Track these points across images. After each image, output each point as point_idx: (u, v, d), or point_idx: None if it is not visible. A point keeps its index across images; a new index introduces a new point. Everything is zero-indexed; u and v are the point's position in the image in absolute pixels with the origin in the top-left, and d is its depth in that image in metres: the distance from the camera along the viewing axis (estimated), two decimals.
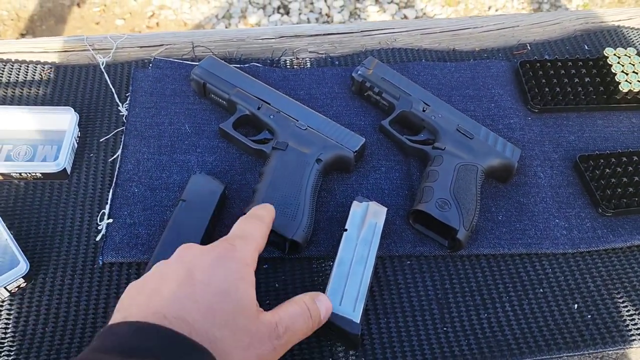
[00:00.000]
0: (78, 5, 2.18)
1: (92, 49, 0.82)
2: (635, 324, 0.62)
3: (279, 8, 2.26)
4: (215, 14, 2.22)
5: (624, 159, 0.73)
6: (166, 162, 0.71)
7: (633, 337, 0.61)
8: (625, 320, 0.63)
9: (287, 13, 2.24)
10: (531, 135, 0.77)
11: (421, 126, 0.75)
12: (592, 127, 0.79)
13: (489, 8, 2.33)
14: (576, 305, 0.63)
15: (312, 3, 2.28)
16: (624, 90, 0.78)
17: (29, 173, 0.68)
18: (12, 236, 0.62)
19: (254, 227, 0.55)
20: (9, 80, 0.78)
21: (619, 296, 0.64)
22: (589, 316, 0.63)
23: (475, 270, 0.66)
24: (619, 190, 0.70)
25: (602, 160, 0.73)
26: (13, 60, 0.80)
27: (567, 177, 0.74)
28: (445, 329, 0.61)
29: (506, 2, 2.35)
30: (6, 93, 0.76)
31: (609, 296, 0.64)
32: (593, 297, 0.64)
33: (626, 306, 0.64)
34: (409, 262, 0.66)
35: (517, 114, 0.79)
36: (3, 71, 0.78)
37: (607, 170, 0.72)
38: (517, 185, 0.73)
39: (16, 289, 0.61)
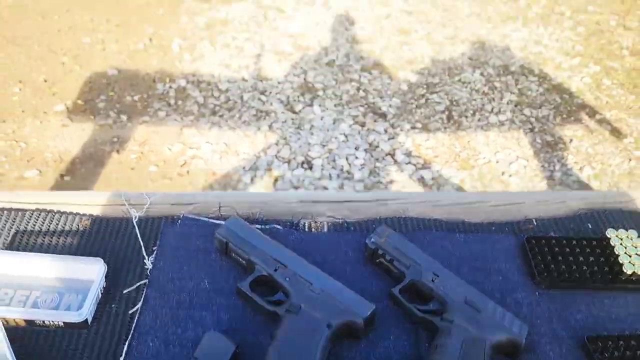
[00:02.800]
0: (117, 151, 2.36)
1: (128, 204, 0.90)
2: None
3: (302, 163, 2.40)
4: (242, 166, 2.37)
5: (633, 342, 0.73)
6: (183, 317, 0.74)
7: None
8: None
9: (310, 168, 2.38)
10: (539, 312, 0.79)
11: (430, 296, 0.77)
12: (600, 306, 0.80)
13: (502, 173, 2.44)
14: None
15: (334, 160, 2.43)
16: (627, 272, 0.81)
17: (52, 321, 0.71)
18: None
19: None
20: (48, 228, 0.84)
21: None
22: None
23: None
24: None
25: (610, 343, 0.73)
26: (55, 210, 0.87)
27: (577, 357, 0.74)
28: None
29: (519, 169, 2.46)
30: (44, 240, 0.82)
31: None
32: None
33: None
34: None
35: (525, 289, 0.81)
36: (44, 220, 0.85)
37: (616, 353, 0.72)
38: None
39: None
